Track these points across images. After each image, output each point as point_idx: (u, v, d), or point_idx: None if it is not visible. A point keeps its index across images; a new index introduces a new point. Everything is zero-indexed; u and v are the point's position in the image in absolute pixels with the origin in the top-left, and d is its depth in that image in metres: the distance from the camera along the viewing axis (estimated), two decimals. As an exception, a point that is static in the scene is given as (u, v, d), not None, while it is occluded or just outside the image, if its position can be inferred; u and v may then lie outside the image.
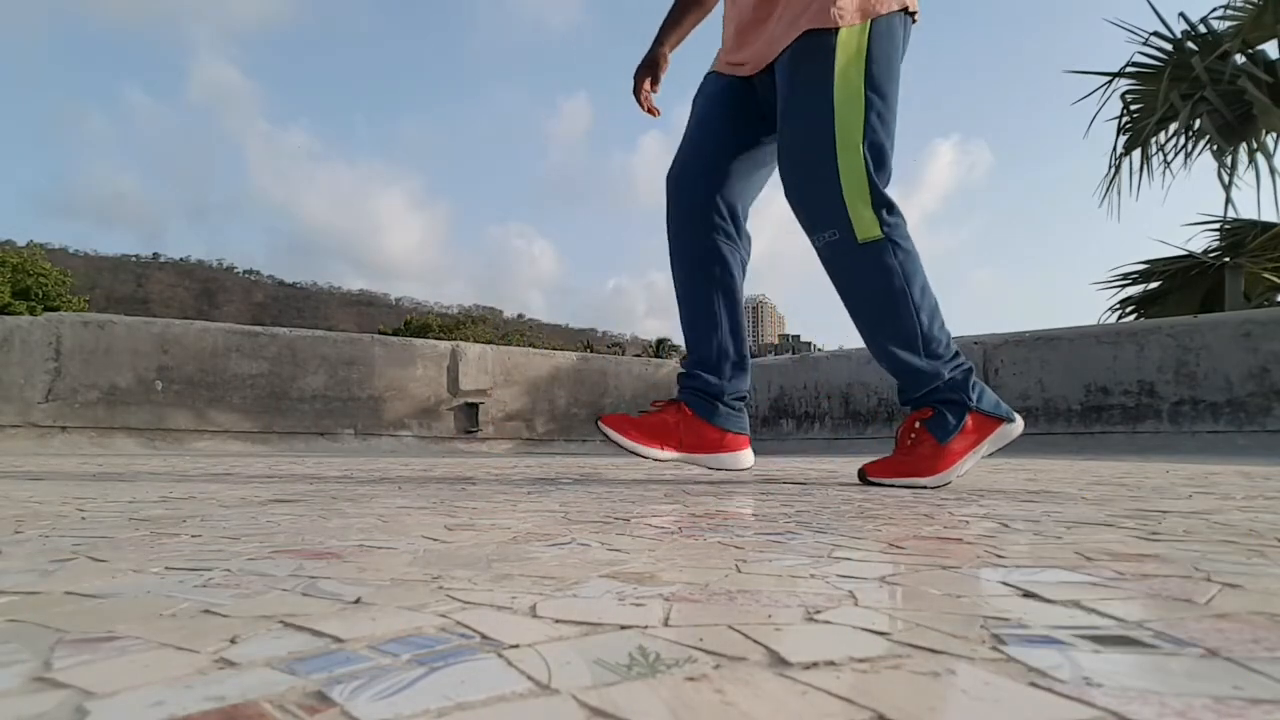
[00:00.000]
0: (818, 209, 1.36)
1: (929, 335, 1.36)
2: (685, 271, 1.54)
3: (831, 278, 1.41)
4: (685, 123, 1.58)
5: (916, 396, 1.37)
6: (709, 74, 1.56)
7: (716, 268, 1.51)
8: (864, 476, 1.35)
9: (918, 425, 1.36)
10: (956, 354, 1.39)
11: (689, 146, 1.54)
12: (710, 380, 1.53)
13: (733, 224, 1.53)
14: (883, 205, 1.33)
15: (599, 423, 1.49)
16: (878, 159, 1.33)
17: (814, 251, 1.41)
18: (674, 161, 1.56)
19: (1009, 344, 3.70)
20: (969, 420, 1.35)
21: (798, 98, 1.36)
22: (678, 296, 1.57)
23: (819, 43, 1.33)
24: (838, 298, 1.41)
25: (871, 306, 1.36)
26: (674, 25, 1.64)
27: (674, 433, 1.50)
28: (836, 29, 1.32)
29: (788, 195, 1.41)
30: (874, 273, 1.34)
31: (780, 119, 1.40)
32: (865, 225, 1.32)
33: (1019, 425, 1.41)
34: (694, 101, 1.57)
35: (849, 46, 1.33)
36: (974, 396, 1.37)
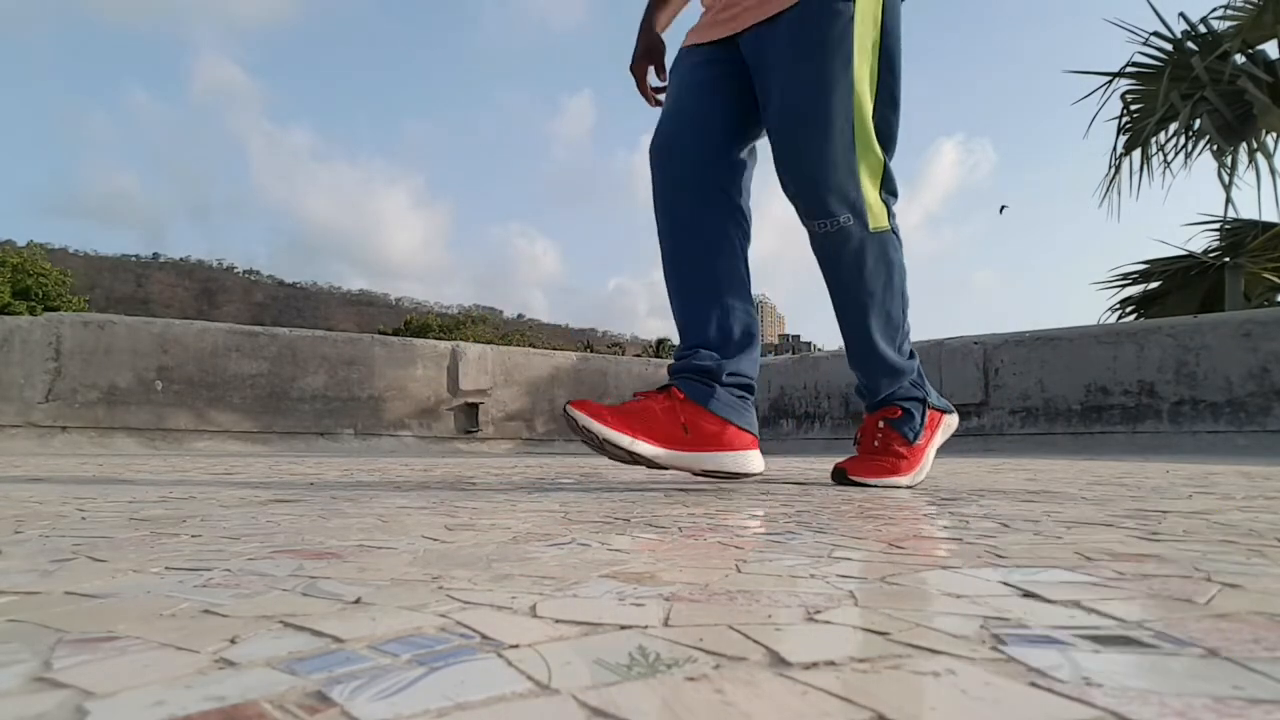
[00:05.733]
0: (830, 190, 1.22)
1: (906, 333, 1.34)
2: (681, 241, 1.30)
3: (829, 267, 1.30)
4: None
5: (885, 395, 1.33)
6: (683, 49, 1.38)
7: (721, 236, 1.29)
8: (843, 475, 1.29)
9: (882, 425, 1.31)
10: (911, 345, 1.38)
11: (675, 116, 1.34)
12: (706, 357, 1.25)
13: (736, 192, 1.32)
14: (892, 193, 1.27)
15: (567, 407, 1.18)
16: (888, 141, 1.25)
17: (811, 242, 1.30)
18: (657, 133, 1.35)
19: (1009, 344, 3.70)
20: (929, 416, 1.34)
21: (811, 65, 1.21)
22: (671, 274, 1.32)
23: (839, 4, 1.20)
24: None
25: (872, 301, 1.29)
26: (662, 3, 1.48)
27: (659, 422, 1.18)
28: None
29: (792, 171, 1.26)
30: (879, 265, 1.27)
31: (780, 87, 1.24)
32: (878, 213, 1.25)
33: (956, 417, 1.42)
34: (671, 75, 1.40)
35: (865, 13, 1.21)
36: (928, 391, 1.36)
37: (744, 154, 1.35)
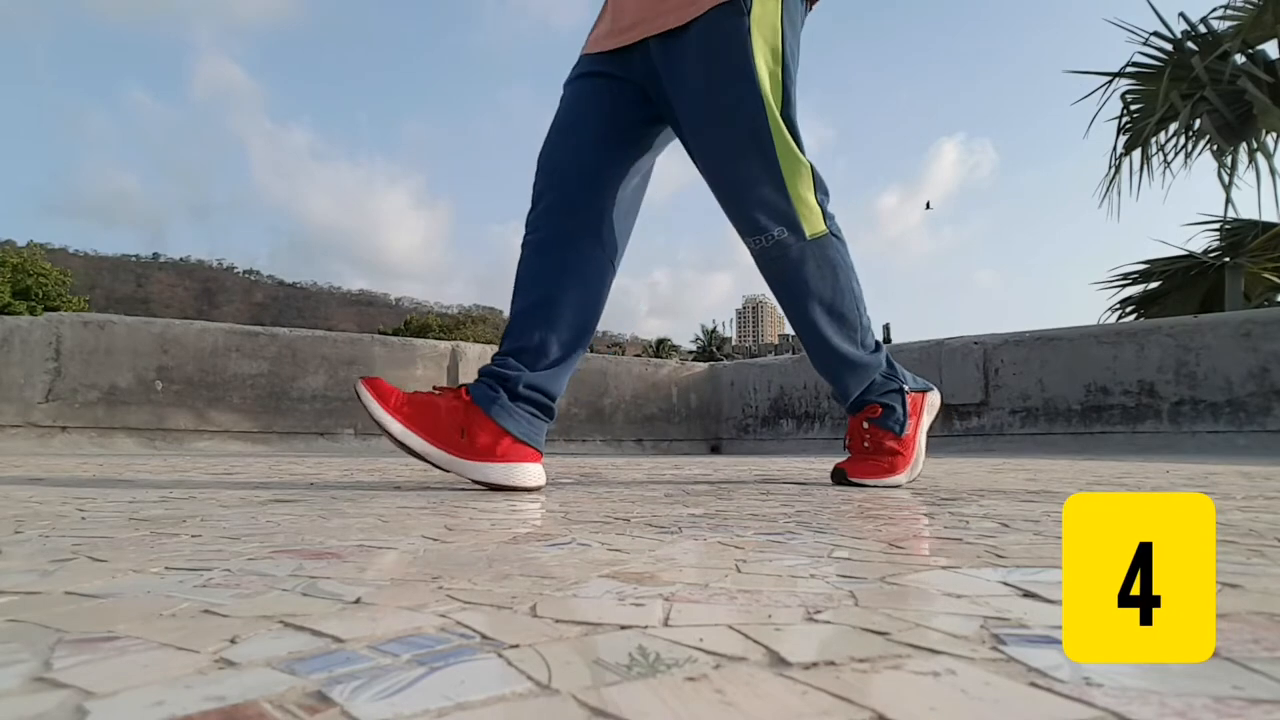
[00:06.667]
0: (758, 207, 1.23)
1: (866, 328, 1.33)
2: (539, 249, 1.27)
3: (773, 281, 1.30)
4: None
5: (859, 396, 1.34)
6: (581, 56, 1.34)
7: (577, 260, 1.26)
8: (843, 476, 1.31)
9: (866, 425, 1.32)
10: (875, 337, 1.37)
11: (559, 129, 1.31)
12: (511, 366, 1.22)
13: (609, 211, 1.28)
14: (824, 193, 1.26)
15: (357, 382, 1.18)
16: (801, 144, 1.23)
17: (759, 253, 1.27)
18: (544, 144, 1.31)
19: (1009, 344, 3.70)
20: (909, 403, 1.34)
21: (718, 83, 1.20)
22: (519, 272, 1.28)
23: (732, 20, 1.18)
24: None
25: (822, 307, 1.29)
26: None
27: (438, 420, 1.16)
28: (750, 3, 1.18)
29: (719, 193, 1.27)
30: (823, 271, 1.27)
31: (691, 111, 1.23)
32: (813, 220, 1.24)
33: (938, 394, 1.42)
34: (564, 85, 1.35)
35: (763, 22, 1.19)
36: (903, 377, 1.36)
37: (631, 166, 1.31)
